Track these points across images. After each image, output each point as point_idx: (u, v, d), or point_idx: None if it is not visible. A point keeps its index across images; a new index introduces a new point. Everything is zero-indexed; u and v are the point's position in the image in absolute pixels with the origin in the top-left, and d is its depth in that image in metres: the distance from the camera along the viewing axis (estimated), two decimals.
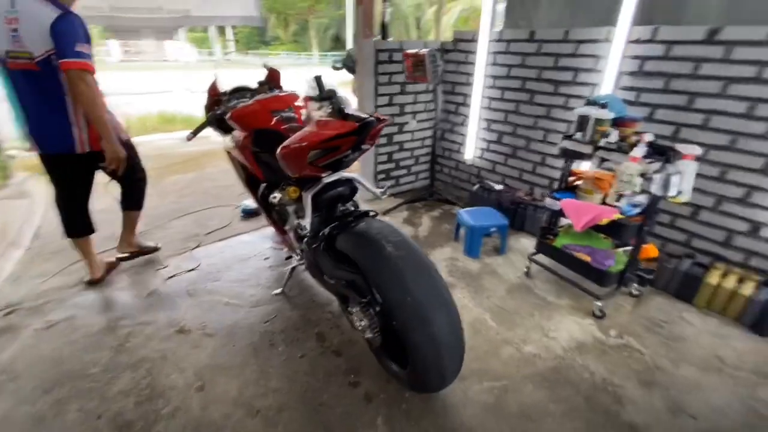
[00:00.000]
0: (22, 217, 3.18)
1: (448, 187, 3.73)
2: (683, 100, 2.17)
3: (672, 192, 1.79)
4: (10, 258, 2.59)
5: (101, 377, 1.68)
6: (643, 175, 1.80)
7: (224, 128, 2.20)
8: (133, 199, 2.36)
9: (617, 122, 1.96)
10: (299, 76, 2.33)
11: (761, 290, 1.97)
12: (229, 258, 2.57)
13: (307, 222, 1.53)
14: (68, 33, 1.67)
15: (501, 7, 3.35)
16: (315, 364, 1.75)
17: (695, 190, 2.02)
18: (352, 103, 1.77)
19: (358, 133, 1.29)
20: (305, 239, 1.66)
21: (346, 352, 1.81)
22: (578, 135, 2.05)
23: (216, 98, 2.17)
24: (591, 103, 2.01)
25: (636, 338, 1.93)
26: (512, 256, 2.65)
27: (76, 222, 2.16)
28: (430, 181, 3.50)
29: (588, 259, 2.09)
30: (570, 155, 2.14)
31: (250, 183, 2.14)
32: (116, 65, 19.52)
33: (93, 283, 2.27)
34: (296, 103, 1.93)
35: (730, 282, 2.04)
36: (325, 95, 1.40)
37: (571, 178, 2.28)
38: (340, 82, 3.64)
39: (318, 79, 1.53)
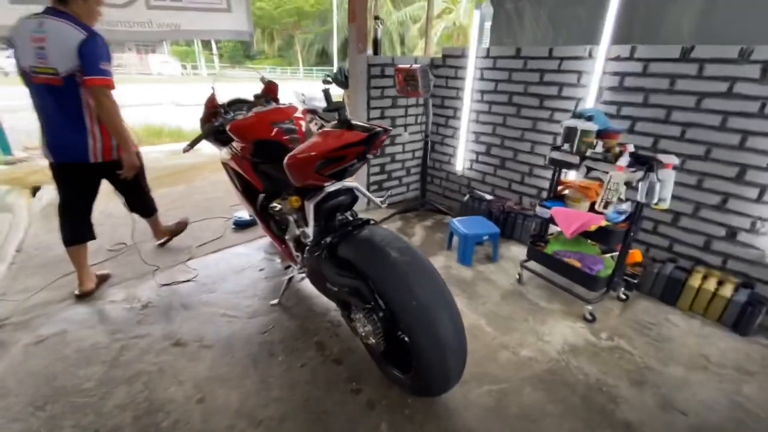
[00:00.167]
0: (4, 231, 3.09)
1: (439, 197, 3.81)
2: (661, 113, 2.31)
3: (654, 199, 1.89)
4: None
5: (96, 392, 1.64)
6: (627, 183, 1.90)
7: (221, 140, 2.23)
8: (146, 209, 2.59)
9: (601, 134, 2.07)
10: (285, 89, 2.40)
11: (740, 292, 2.08)
12: (223, 269, 2.56)
13: (310, 230, 1.56)
14: (94, 53, 1.84)
15: (487, 25, 3.51)
16: (316, 373, 1.75)
17: (675, 197, 2.14)
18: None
19: (366, 143, 1.34)
20: (306, 248, 1.69)
21: (346, 361, 1.83)
22: (565, 146, 2.15)
23: (213, 110, 2.20)
24: (577, 116, 2.12)
25: (626, 340, 2.00)
26: (504, 263, 2.72)
27: (78, 228, 2.22)
28: (422, 192, 3.57)
29: (578, 264, 2.17)
30: (558, 165, 2.23)
31: (248, 194, 2.16)
32: None
33: (84, 296, 2.23)
34: (295, 115, 1.98)
35: (711, 284, 2.14)
36: (333, 107, 1.45)
37: (559, 188, 2.38)
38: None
39: (326, 92, 1.58)
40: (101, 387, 1.66)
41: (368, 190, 3.47)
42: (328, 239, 1.58)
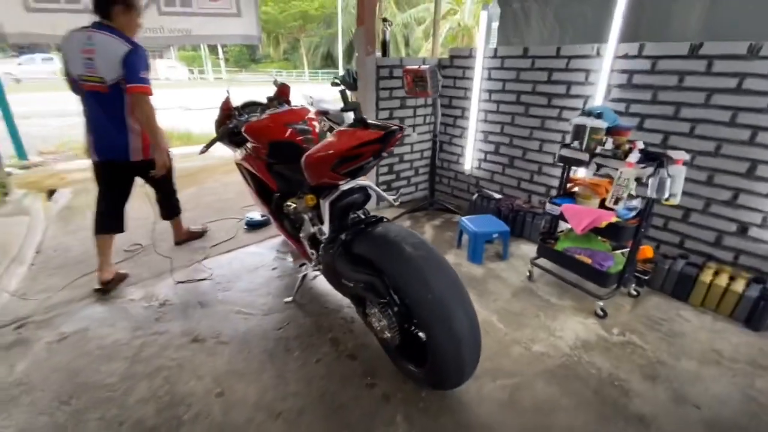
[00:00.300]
0: (22, 234, 3.17)
1: (448, 197, 3.83)
2: (670, 110, 2.32)
3: (665, 195, 1.90)
4: (14, 274, 2.58)
5: (119, 386, 1.69)
6: (638, 179, 1.92)
7: (236, 142, 2.28)
8: (171, 209, 2.78)
9: (611, 131, 2.09)
10: (293, 92, 2.48)
11: (751, 287, 2.08)
12: (237, 268, 2.61)
13: (326, 227, 1.59)
14: (136, 63, 2.05)
15: (495, 25, 3.53)
16: (331, 368, 1.79)
17: (686, 194, 2.15)
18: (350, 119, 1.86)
19: (381, 141, 1.38)
20: (322, 245, 1.72)
21: (360, 356, 1.86)
22: (575, 143, 2.17)
23: (228, 113, 2.25)
24: (586, 113, 2.14)
25: (638, 335, 2.01)
26: (514, 261, 2.73)
27: (110, 220, 2.40)
28: (430, 192, 3.60)
29: (589, 261, 2.18)
30: (568, 162, 2.25)
31: (262, 194, 2.21)
32: None
33: (102, 286, 2.32)
34: (308, 116, 2.02)
35: (722, 280, 2.15)
36: (349, 107, 1.49)
37: (569, 185, 2.39)
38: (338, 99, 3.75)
39: (343, 92, 1.62)
40: (124, 382, 1.71)
41: None
42: (343, 236, 1.62)
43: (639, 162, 1.90)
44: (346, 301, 2.23)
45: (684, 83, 2.24)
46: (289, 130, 1.88)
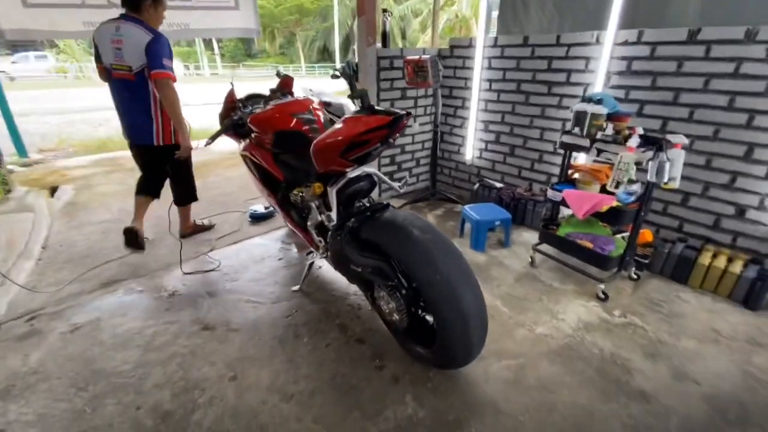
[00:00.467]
0: (27, 230, 3.20)
1: (449, 187, 3.87)
2: (669, 95, 2.35)
3: (665, 179, 1.94)
4: (22, 269, 2.61)
5: (134, 373, 1.73)
6: (638, 164, 1.96)
7: (240, 134, 2.31)
8: (187, 195, 2.83)
9: (611, 117, 2.11)
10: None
11: (749, 268, 2.13)
12: (244, 259, 2.65)
13: (334, 214, 1.63)
14: (159, 51, 2.21)
15: (494, 14, 3.54)
16: (340, 352, 1.83)
17: (685, 178, 2.19)
18: (352, 109, 1.89)
19: (390, 127, 1.41)
20: (330, 232, 1.76)
21: (369, 340, 1.90)
22: (576, 130, 2.20)
23: (232, 105, 2.27)
24: (586, 100, 2.17)
25: (638, 317, 2.06)
26: (516, 248, 2.78)
27: (148, 186, 2.66)
28: (432, 182, 3.63)
29: (590, 245, 2.22)
30: (569, 149, 2.28)
31: (268, 185, 2.23)
32: (102, 82, 19.44)
33: (129, 230, 2.55)
34: (313, 106, 2.04)
35: (721, 262, 2.19)
36: (357, 94, 1.52)
37: (569, 172, 2.43)
38: (338, 91, 3.76)
39: (351, 79, 1.65)
40: (138, 368, 1.75)
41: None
42: (351, 222, 1.65)
43: (639, 146, 1.93)
44: (352, 289, 2.27)
45: (683, 69, 2.27)
46: (295, 120, 1.90)
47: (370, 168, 1.71)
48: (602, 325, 2.00)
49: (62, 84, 18.04)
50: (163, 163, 2.59)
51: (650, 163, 1.91)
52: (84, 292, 2.31)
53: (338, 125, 1.47)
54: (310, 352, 1.83)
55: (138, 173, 2.69)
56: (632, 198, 2.11)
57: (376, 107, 1.48)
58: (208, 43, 27.48)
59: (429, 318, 1.69)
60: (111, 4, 3.85)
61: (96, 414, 1.54)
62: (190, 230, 2.95)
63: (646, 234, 2.39)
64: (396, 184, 1.79)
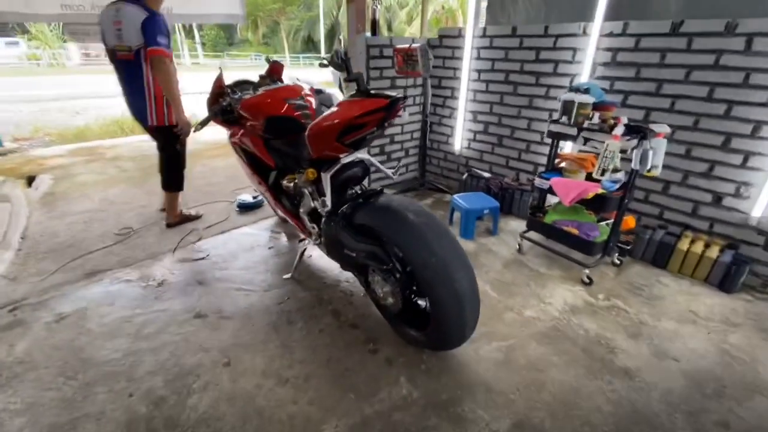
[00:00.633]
0: (5, 220, 3.09)
1: (438, 177, 3.90)
2: (652, 86, 2.42)
3: (648, 166, 2.01)
4: (1, 259, 2.53)
5: (125, 361, 1.71)
6: (622, 151, 2.02)
7: (228, 120, 2.27)
8: (166, 181, 2.81)
9: (597, 107, 2.17)
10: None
11: (725, 253, 2.23)
12: (233, 248, 2.62)
13: (327, 200, 1.63)
14: (153, 28, 2.25)
15: (483, 5, 3.56)
16: (334, 337, 1.85)
17: (666, 167, 2.27)
18: (340, 98, 1.89)
19: (387, 109, 1.41)
20: (323, 218, 1.76)
21: (362, 325, 1.92)
22: (564, 119, 2.25)
23: (220, 91, 2.23)
24: (574, 89, 2.22)
25: (621, 300, 2.14)
26: (504, 236, 2.83)
27: (173, 181, 2.78)
28: (421, 172, 3.66)
29: (576, 232, 2.29)
30: (557, 137, 2.34)
31: (258, 172, 2.21)
32: (77, 69, 18.77)
33: (170, 226, 2.82)
34: (304, 93, 2.03)
35: (698, 247, 2.29)
36: (353, 77, 1.52)
37: (556, 161, 2.48)
38: (323, 81, 3.73)
39: (346, 62, 1.64)
40: (129, 356, 1.73)
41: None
42: (345, 208, 1.66)
43: (624, 135, 1.99)
44: (344, 276, 2.28)
45: (666, 60, 2.34)
46: (287, 105, 1.89)
47: (364, 154, 1.71)
48: (587, 308, 2.07)
49: (35, 71, 17.33)
50: (171, 144, 2.64)
51: (635, 151, 1.97)
52: (68, 282, 2.25)
53: (334, 108, 1.47)
54: (304, 337, 1.85)
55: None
56: (616, 186, 2.18)
57: (372, 91, 1.48)
58: (188, 32, 26.74)
59: (422, 302, 1.72)
60: None
61: (86, 402, 1.52)
62: (176, 219, 2.90)
63: (629, 221, 2.48)
64: (389, 171, 1.80)
